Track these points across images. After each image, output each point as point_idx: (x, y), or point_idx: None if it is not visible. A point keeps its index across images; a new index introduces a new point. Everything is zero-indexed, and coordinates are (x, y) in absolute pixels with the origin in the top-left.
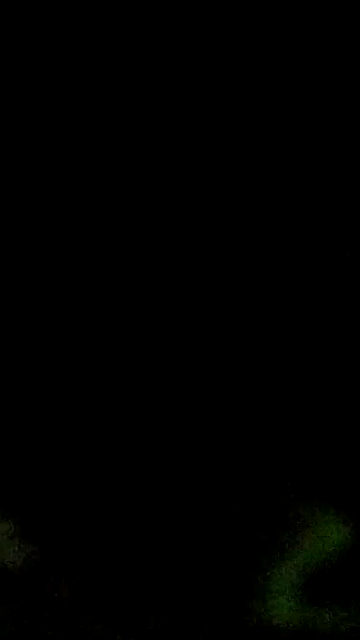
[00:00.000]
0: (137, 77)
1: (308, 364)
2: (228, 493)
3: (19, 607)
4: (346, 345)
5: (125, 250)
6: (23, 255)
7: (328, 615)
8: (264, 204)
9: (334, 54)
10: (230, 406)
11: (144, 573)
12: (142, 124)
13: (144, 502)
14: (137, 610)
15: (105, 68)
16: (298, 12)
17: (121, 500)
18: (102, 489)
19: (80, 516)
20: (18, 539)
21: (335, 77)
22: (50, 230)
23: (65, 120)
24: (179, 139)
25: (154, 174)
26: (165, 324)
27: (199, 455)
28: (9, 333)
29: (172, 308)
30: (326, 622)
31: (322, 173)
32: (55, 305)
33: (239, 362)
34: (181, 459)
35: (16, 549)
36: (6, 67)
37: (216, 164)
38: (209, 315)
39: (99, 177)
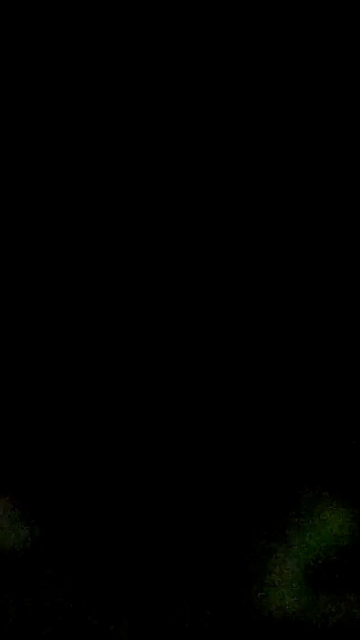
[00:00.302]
0: (137, 77)
1: (311, 352)
2: (230, 482)
3: (20, 593)
4: (346, 334)
5: (125, 249)
6: (23, 255)
7: (329, 605)
8: (264, 204)
9: (334, 54)
10: (234, 394)
11: (145, 560)
12: (142, 124)
13: (145, 488)
14: (138, 597)
15: (105, 68)
16: (298, 12)
17: (123, 487)
18: (103, 477)
19: (82, 501)
20: (18, 521)
21: (335, 77)
22: (50, 230)
23: (65, 120)
24: (179, 139)
25: (154, 173)
26: (164, 319)
27: (201, 443)
28: (9, 331)
29: (171, 305)
30: (327, 611)
31: (322, 173)
32: (56, 304)
33: (241, 349)
34: (183, 446)
35: (17, 531)
36: (6, 67)
37: (216, 164)
38: (208, 309)
39: (99, 177)
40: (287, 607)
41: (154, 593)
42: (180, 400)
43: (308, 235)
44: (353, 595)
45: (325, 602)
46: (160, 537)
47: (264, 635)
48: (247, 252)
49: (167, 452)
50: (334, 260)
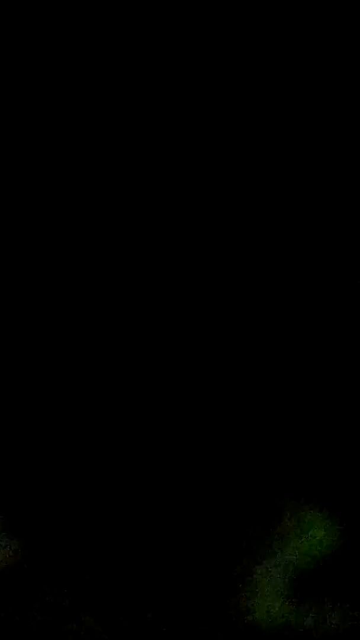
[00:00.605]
0: (137, 77)
1: (298, 366)
2: (215, 491)
3: (8, 606)
4: (334, 348)
5: (125, 249)
6: (23, 255)
7: (314, 613)
8: (264, 204)
9: (334, 54)
10: (222, 406)
11: (130, 570)
12: (142, 124)
13: (132, 497)
14: (124, 607)
15: (105, 68)
16: (298, 12)
17: (109, 497)
18: (89, 486)
19: (68, 513)
20: (4, 534)
21: (335, 78)
22: (50, 230)
23: (65, 120)
24: (179, 139)
25: (154, 173)
26: (158, 320)
27: (187, 454)
28: (9, 333)
29: (169, 305)
30: (312, 620)
31: (322, 173)
32: (55, 304)
33: (231, 363)
34: (170, 458)
35: (2, 544)
36: (6, 67)
37: (216, 164)
38: (197, 317)
39: (99, 177)
40: (272, 615)
41: (138, 604)
42: (169, 413)
43: (308, 234)
44: (338, 604)
45: (309, 611)
46: (147, 547)
47: None
48: (246, 252)
49: (154, 464)
50: (334, 260)
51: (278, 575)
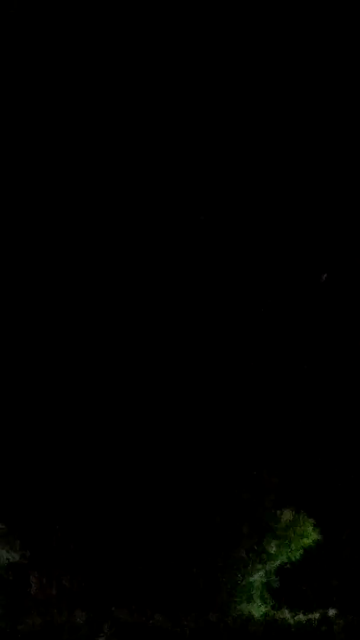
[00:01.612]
0: (137, 77)
1: (280, 375)
2: (200, 497)
3: (7, 604)
4: (313, 358)
5: (125, 250)
6: (23, 255)
7: (294, 615)
8: (264, 205)
9: (334, 54)
10: (205, 414)
11: (119, 572)
12: (142, 124)
13: (119, 503)
14: (114, 606)
15: (105, 68)
16: (298, 12)
17: (97, 504)
18: (77, 493)
19: (57, 519)
20: (5, 538)
21: (336, 78)
22: (50, 230)
23: (65, 121)
24: (179, 139)
25: (154, 174)
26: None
27: (171, 461)
28: (9, 333)
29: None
30: (292, 622)
31: (322, 173)
32: (56, 307)
33: (216, 372)
34: (158, 465)
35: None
36: (6, 67)
37: (216, 164)
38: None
39: (99, 177)
40: (253, 617)
41: (127, 606)
42: (151, 422)
43: (307, 236)
44: (317, 607)
45: (290, 613)
46: (133, 552)
47: None
48: (246, 254)
49: (141, 472)
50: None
51: (260, 579)
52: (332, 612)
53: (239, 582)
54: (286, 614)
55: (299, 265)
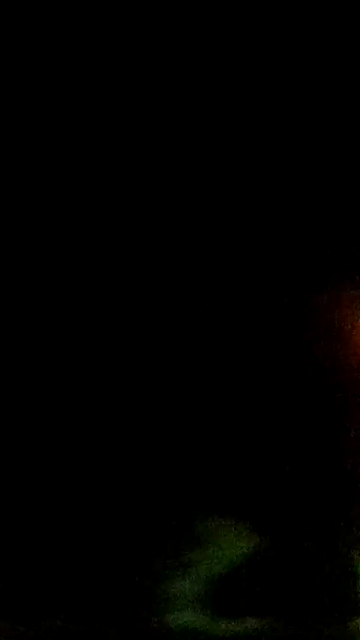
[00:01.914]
0: (137, 78)
1: (219, 382)
2: (133, 506)
3: None
4: (249, 360)
5: (125, 250)
6: (23, 255)
7: (226, 624)
8: (263, 205)
9: (334, 54)
10: (138, 424)
11: (49, 578)
12: (142, 124)
13: (66, 510)
14: (43, 615)
15: (105, 68)
16: (298, 12)
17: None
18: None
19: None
20: None
21: (336, 78)
22: (50, 230)
23: (65, 121)
24: (179, 139)
25: (154, 174)
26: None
27: (107, 470)
28: (9, 334)
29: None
30: (224, 631)
31: (322, 173)
32: (56, 308)
33: (164, 380)
34: (94, 474)
35: None
36: (7, 67)
37: (216, 164)
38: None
39: (99, 177)
40: (186, 626)
41: (59, 614)
42: (90, 433)
43: (306, 236)
44: (248, 615)
45: (222, 622)
46: (67, 559)
47: None
48: (245, 255)
49: (82, 480)
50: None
51: (192, 587)
52: (267, 620)
53: (165, 591)
54: (220, 623)
55: (299, 265)
